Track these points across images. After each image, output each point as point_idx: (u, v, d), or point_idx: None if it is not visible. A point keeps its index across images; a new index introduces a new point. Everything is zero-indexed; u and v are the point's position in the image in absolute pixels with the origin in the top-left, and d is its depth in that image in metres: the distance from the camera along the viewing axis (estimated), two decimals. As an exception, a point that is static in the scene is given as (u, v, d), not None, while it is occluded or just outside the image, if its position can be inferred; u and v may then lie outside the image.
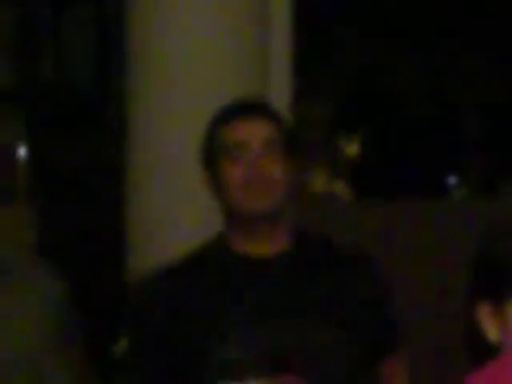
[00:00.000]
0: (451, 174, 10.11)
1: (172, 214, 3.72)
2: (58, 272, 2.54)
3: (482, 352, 1.80)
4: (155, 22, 3.81)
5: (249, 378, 2.31)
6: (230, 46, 3.76)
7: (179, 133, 3.69)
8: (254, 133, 2.50)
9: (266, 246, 2.51)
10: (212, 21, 3.78)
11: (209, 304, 2.52)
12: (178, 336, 2.52)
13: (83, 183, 7.45)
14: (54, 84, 8.79)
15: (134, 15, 3.93)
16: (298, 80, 4.50)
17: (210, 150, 2.53)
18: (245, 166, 2.46)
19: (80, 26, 8.67)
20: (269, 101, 3.62)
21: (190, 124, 3.61)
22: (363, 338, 2.50)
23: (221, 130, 2.51)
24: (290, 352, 2.43)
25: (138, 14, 3.92)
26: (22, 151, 8.95)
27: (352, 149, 8.63)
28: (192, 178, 3.53)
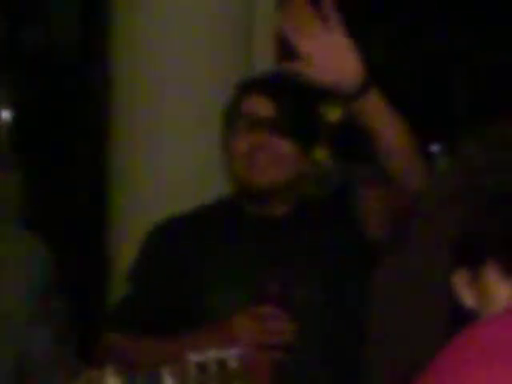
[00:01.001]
0: (435, 141, 9.96)
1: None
2: (43, 245, 2.56)
3: (461, 320, 1.83)
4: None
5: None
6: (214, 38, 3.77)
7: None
8: (264, 107, 2.57)
9: (266, 209, 2.63)
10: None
11: (209, 258, 2.64)
12: (177, 286, 2.63)
13: (69, 146, 7.40)
14: (38, 46, 8.77)
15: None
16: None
17: (226, 125, 2.64)
18: (251, 137, 2.54)
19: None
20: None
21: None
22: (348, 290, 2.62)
23: (235, 102, 2.64)
24: (273, 277, 2.51)
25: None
26: (5, 115, 8.93)
27: (335, 115, 8.60)
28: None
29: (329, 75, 2.33)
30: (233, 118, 2.63)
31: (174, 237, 2.70)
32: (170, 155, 3.58)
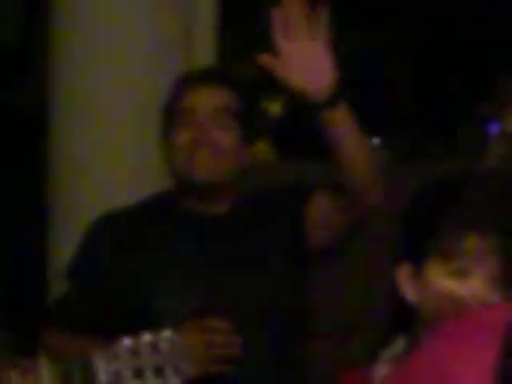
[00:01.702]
0: (376, 134, 10.08)
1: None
2: None
3: (402, 315, 1.91)
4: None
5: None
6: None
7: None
8: (205, 100, 2.57)
9: (207, 206, 2.60)
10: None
11: (149, 255, 2.62)
12: (115, 283, 2.61)
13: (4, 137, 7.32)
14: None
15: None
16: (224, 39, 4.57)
17: (165, 119, 2.63)
18: (192, 131, 2.53)
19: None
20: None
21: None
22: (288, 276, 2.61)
23: (175, 96, 2.61)
24: (217, 301, 2.53)
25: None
26: None
27: (275, 108, 8.62)
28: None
29: (301, 79, 2.36)
30: (172, 112, 2.62)
31: (113, 233, 2.66)
32: (108, 152, 3.61)
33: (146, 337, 2.20)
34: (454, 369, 1.71)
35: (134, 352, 2.21)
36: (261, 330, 2.56)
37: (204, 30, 4.04)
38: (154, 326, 2.35)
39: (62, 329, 2.63)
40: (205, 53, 3.99)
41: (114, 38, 3.65)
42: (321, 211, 2.55)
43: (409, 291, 1.93)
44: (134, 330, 2.40)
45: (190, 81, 2.65)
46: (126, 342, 2.18)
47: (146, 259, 2.61)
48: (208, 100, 2.57)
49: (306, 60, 2.35)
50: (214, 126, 2.54)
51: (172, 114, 2.59)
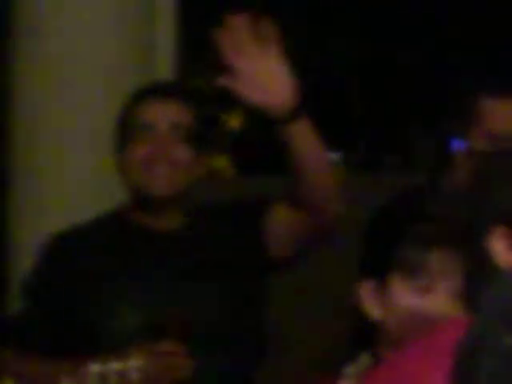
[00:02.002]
0: (334, 150, 9.97)
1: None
2: None
3: (364, 332, 1.86)
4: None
5: (121, 356, 2.37)
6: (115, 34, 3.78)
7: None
8: (161, 115, 2.59)
9: (163, 221, 2.61)
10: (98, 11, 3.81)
11: (106, 274, 2.61)
12: (70, 303, 2.60)
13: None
14: None
15: None
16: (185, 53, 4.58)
17: (120, 133, 2.62)
18: (149, 146, 2.53)
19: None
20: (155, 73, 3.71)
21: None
22: (246, 284, 2.63)
23: (131, 111, 2.59)
24: (171, 316, 2.52)
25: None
26: None
27: (235, 122, 8.56)
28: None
29: (259, 95, 2.38)
30: (128, 126, 2.62)
31: (68, 252, 2.64)
32: (71, 163, 3.62)
33: (114, 364, 2.19)
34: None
35: (103, 378, 2.20)
36: (220, 341, 2.58)
37: (165, 45, 4.02)
38: (113, 343, 2.39)
39: (19, 349, 2.61)
40: (166, 68, 3.98)
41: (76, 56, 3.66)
42: (280, 223, 2.57)
43: (372, 307, 1.92)
44: (92, 348, 2.43)
45: (146, 96, 2.62)
46: (95, 367, 2.18)
47: (99, 281, 2.58)
48: (165, 115, 2.56)
49: (261, 76, 2.38)
50: (171, 140, 2.53)
51: (127, 129, 2.59)
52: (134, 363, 2.20)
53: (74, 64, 3.66)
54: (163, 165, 2.53)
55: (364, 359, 1.93)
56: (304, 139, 2.44)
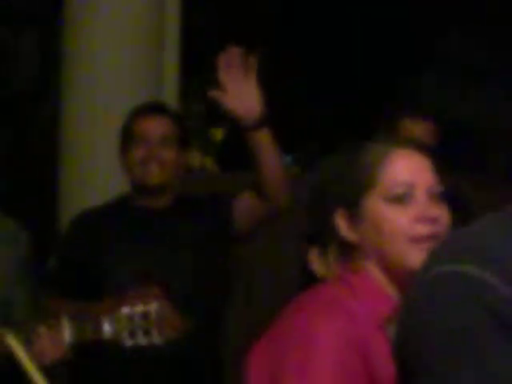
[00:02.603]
0: (287, 153, 9.43)
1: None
2: (23, 227, 2.67)
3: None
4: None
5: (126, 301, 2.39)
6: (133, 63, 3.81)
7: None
8: (153, 127, 2.73)
9: (154, 203, 2.76)
10: (121, 42, 3.82)
11: (111, 237, 2.78)
12: (87, 262, 2.77)
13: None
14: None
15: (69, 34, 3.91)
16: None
17: (124, 138, 2.74)
18: (143, 150, 2.69)
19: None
20: (164, 100, 3.77)
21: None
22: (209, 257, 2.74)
23: (132, 123, 2.72)
24: (154, 270, 2.66)
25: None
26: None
27: (218, 134, 8.77)
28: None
29: (237, 108, 2.48)
30: (129, 134, 2.74)
31: (89, 225, 2.87)
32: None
33: (140, 307, 2.29)
34: (314, 336, 1.56)
35: (131, 318, 2.28)
36: (191, 299, 2.66)
37: (170, 72, 4.10)
38: (118, 286, 2.55)
39: (54, 293, 2.78)
40: (170, 89, 4.06)
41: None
42: (246, 207, 2.67)
43: (319, 268, 1.71)
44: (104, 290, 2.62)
45: (142, 111, 2.80)
46: (125, 310, 2.27)
47: (113, 241, 2.79)
48: (155, 127, 2.72)
49: (241, 93, 2.48)
50: (159, 146, 2.71)
51: (129, 137, 2.73)
52: (153, 306, 2.29)
53: (103, 91, 3.73)
54: (154, 164, 2.68)
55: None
56: (265, 144, 2.59)
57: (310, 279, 1.73)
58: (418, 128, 3.37)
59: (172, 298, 2.45)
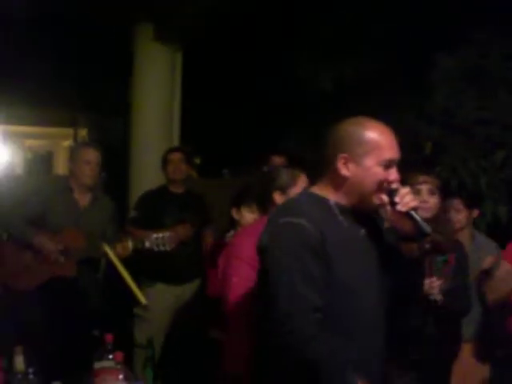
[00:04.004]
0: (225, 166, 9.47)
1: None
2: (109, 197, 4.57)
3: None
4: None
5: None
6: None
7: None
8: (177, 157, 5.14)
9: (178, 190, 5.02)
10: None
11: (158, 209, 4.92)
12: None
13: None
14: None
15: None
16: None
17: (163, 162, 5.24)
18: (172, 167, 5.14)
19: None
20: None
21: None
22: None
23: (165, 155, 5.25)
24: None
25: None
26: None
27: (198, 160, 10.45)
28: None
29: None
30: (165, 159, 5.28)
31: (148, 198, 5.11)
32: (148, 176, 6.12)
33: (160, 234, 4.19)
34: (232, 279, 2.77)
35: (156, 238, 4.20)
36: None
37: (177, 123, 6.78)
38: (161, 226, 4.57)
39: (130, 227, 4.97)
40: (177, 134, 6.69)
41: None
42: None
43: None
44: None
45: (170, 151, 5.24)
46: (153, 235, 4.19)
47: (158, 210, 4.91)
48: (177, 156, 5.10)
49: None
50: (179, 163, 5.09)
51: (164, 160, 5.24)
52: (166, 234, 4.25)
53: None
54: (178, 173, 5.06)
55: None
56: None
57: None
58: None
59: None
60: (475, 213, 4.23)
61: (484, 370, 3.90)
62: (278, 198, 3.05)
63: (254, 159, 5.53)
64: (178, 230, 4.63)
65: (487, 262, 3.66)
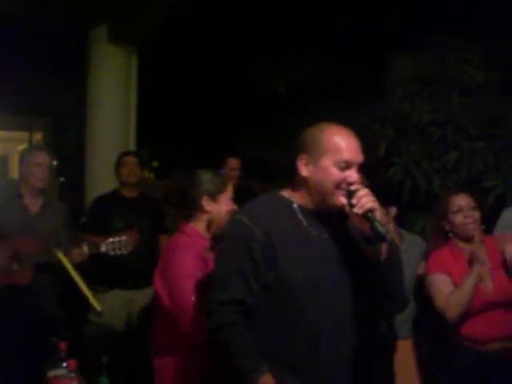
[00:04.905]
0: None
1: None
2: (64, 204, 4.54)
3: None
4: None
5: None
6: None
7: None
8: (131, 160, 5.35)
9: (131, 194, 5.32)
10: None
11: (110, 212, 5.29)
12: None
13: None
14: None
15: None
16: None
17: (117, 165, 5.40)
18: (126, 170, 5.35)
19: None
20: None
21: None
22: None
23: (119, 159, 5.39)
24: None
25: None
26: None
27: (155, 163, 10.62)
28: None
29: None
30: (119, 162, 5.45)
31: (100, 205, 5.28)
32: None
33: (116, 238, 4.17)
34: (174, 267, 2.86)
35: (112, 243, 4.20)
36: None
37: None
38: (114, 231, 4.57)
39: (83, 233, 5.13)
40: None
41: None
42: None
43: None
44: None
45: (123, 155, 5.36)
46: (109, 239, 4.19)
47: (108, 214, 5.11)
48: (131, 159, 5.29)
49: None
50: (133, 167, 5.30)
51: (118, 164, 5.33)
52: (122, 237, 4.21)
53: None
54: (132, 176, 5.27)
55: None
56: None
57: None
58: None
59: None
60: (393, 211, 4.19)
61: (421, 366, 3.99)
62: (207, 203, 3.02)
63: (213, 161, 5.58)
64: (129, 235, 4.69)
65: (423, 266, 3.74)
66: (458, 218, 3.54)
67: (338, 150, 2.33)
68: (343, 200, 2.34)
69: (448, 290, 3.47)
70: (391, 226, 4.17)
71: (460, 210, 3.53)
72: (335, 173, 2.34)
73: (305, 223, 2.35)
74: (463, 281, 3.44)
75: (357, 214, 2.32)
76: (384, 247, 2.29)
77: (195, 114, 8.77)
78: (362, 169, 2.44)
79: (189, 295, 2.74)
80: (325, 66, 7.18)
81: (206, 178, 3.08)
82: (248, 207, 2.40)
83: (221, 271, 2.32)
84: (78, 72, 6.73)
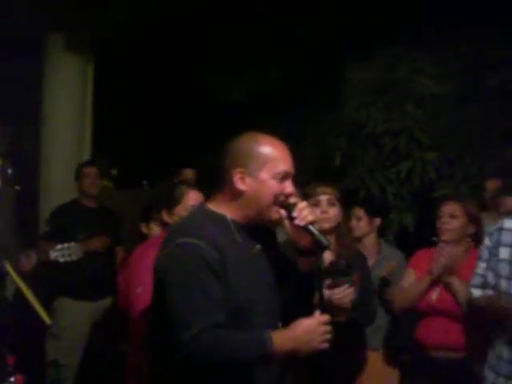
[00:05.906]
0: (145, 178, 9.90)
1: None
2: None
3: None
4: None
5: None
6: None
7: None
8: (93, 171, 5.30)
9: (92, 205, 5.34)
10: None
11: (73, 223, 5.27)
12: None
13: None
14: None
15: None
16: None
17: (77, 175, 5.36)
18: (88, 181, 5.29)
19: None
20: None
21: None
22: None
23: (80, 169, 5.35)
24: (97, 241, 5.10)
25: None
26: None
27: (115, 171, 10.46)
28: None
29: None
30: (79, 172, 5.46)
31: (61, 213, 5.26)
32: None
33: (65, 244, 4.14)
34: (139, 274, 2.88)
35: (62, 249, 4.20)
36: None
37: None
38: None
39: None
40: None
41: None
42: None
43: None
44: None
45: (85, 164, 5.37)
46: (59, 246, 4.20)
47: (70, 224, 5.12)
48: (92, 170, 5.26)
49: None
50: (95, 178, 5.26)
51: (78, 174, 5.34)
52: (72, 244, 4.21)
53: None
54: (93, 187, 5.23)
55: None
56: None
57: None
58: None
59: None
60: (377, 221, 4.34)
61: (393, 376, 3.99)
62: (166, 217, 3.08)
63: (171, 171, 5.62)
64: (93, 241, 4.76)
65: (386, 268, 3.89)
66: (438, 223, 3.72)
67: (274, 161, 2.30)
68: (282, 213, 2.31)
69: (408, 283, 3.62)
70: (373, 236, 4.21)
71: (441, 216, 3.71)
72: (274, 185, 2.32)
73: (239, 239, 2.30)
74: (422, 278, 3.59)
75: (297, 226, 2.30)
76: (327, 256, 2.27)
77: (153, 121, 8.77)
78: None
79: (138, 287, 2.77)
80: (280, 77, 7.24)
81: (163, 190, 3.20)
82: (187, 226, 2.28)
83: (188, 299, 2.13)
84: (36, 79, 6.73)
